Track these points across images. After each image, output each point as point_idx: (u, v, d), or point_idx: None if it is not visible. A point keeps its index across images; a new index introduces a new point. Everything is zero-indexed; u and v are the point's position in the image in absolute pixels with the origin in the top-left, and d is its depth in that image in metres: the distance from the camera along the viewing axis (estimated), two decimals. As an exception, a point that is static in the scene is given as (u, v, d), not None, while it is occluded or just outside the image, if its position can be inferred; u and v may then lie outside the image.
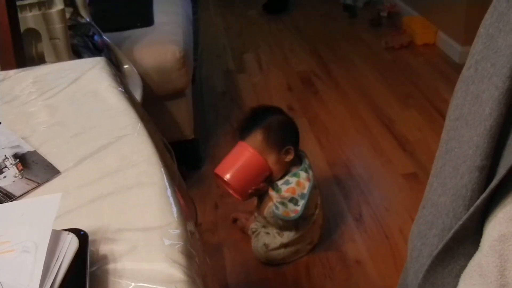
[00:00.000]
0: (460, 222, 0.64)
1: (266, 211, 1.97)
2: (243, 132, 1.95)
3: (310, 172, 1.94)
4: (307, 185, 1.92)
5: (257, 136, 1.91)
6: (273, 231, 2.03)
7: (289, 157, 1.92)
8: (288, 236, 1.99)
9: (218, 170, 1.93)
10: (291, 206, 1.91)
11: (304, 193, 1.91)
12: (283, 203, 1.91)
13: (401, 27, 3.90)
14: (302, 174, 1.93)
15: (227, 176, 1.89)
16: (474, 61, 0.65)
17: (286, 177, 1.94)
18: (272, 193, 1.94)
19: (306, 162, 1.96)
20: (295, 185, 1.91)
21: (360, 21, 4.23)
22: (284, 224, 1.97)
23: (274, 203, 1.93)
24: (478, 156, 0.62)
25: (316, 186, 2.01)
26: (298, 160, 1.98)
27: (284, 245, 2.00)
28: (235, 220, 2.24)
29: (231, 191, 1.96)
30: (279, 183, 1.94)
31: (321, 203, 2.04)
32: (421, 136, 2.69)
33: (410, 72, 3.36)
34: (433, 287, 0.69)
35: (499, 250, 0.60)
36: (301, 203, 1.91)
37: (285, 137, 1.92)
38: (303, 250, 2.04)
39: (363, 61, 3.56)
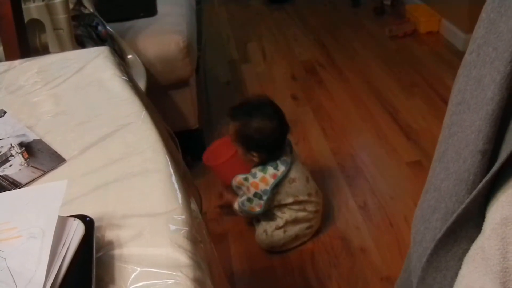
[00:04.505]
0: (463, 206, 0.64)
1: (236, 206, 2.08)
2: (231, 115, 2.03)
3: (281, 168, 1.96)
4: (271, 182, 1.94)
5: (233, 128, 1.99)
6: (266, 217, 2.08)
7: (255, 159, 1.98)
8: (282, 218, 2.03)
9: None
10: (256, 200, 1.98)
11: (267, 189, 1.95)
12: (249, 199, 1.99)
13: (404, 16, 3.89)
14: (270, 170, 1.96)
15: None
16: (476, 45, 0.65)
17: (255, 170, 1.99)
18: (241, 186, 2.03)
19: (281, 158, 1.97)
20: (259, 181, 1.96)
21: (363, 9, 4.22)
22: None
23: (239, 200, 2.04)
24: (481, 140, 0.62)
25: (309, 179, 2.05)
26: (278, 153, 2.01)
27: (279, 227, 2.02)
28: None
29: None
30: (252, 171, 2.00)
31: (317, 192, 2.07)
32: (426, 125, 2.69)
33: (414, 61, 3.35)
34: (437, 270, 0.70)
35: (501, 233, 0.60)
36: (265, 198, 1.96)
37: (251, 144, 1.96)
38: (303, 236, 2.06)
39: (367, 50, 3.56)
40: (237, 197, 2.10)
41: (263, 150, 1.95)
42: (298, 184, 1.99)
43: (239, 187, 2.04)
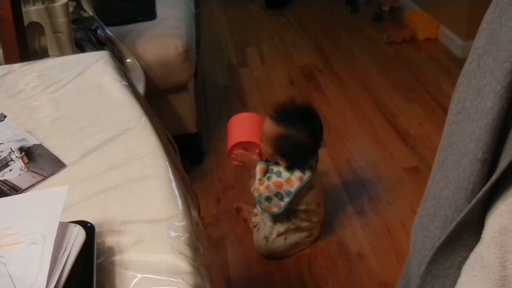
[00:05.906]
0: (462, 214, 0.64)
1: (252, 190, 1.98)
2: (275, 118, 1.89)
3: (308, 173, 1.91)
4: (296, 185, 1.90)
5: (273, 131, 1.87)
6: (267, 222, 2.05)
7: (281, 163, 1.92)
8: (282, 225, 2.01)
9: (233, 141, 2.03)
10: (275, 200, 1.93)
11: (291, 191, 1.91)
12: (268, 198, 1.93)
13: (403, 22, 3.89)
14: (296, 173, 1.91)
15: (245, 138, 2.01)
16: (477, 55, 0.65)
17: (279, 168, 1.93)
18: (258, 174, 1.96)
19: (307, 165, 1.93)
20: (284, 181, 1.90)
21: (362, 15, 4.23)
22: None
23: (257, 195, 1.94)
24: (480, 149, 0.63)
25: (322, 189, 2.05)
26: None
27: (280, 234, 2.01)
28: (238, 210, 2.25)
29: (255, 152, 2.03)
30: (274, 168, 1.94)
31: (323, 203, 2.06)
32: (423, 130, 2.70)
33: (412, 67, 3.36)
34: (435, 278, 0.70)
35: (500, 241, 0.61)
36: (286, 200, 1.92)
37: (285, 152, 1.89)
38: (303, 244, 2.06)
39: (365, 56, 3.56)
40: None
41: (292, 160, 1.90)
42: (314, 192, 1.98)
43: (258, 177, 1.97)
